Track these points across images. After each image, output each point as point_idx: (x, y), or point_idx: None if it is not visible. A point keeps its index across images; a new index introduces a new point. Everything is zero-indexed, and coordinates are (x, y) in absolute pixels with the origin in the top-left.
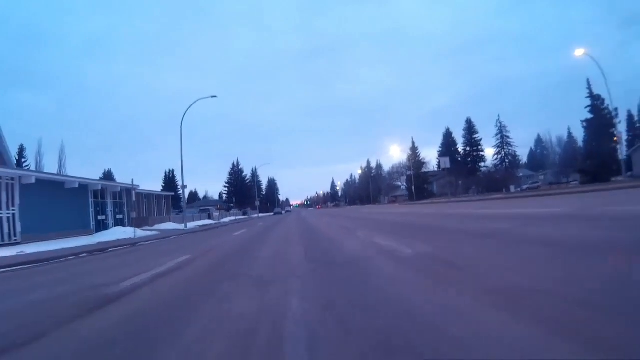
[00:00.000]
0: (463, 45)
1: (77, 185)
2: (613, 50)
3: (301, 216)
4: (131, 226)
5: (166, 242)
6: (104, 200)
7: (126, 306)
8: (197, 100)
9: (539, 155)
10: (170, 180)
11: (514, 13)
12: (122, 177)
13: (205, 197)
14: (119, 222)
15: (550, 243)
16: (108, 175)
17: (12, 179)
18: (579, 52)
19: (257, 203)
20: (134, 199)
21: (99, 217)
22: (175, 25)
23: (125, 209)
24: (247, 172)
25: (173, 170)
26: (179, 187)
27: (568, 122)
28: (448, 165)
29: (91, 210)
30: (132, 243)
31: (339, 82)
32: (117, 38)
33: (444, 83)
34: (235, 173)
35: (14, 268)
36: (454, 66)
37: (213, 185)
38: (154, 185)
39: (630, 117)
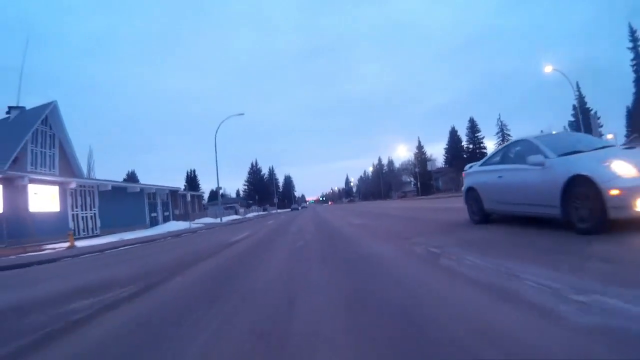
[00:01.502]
0: (466, 43)
1: (138, 190)
2: (615, 44)
3: (315, 211)
4: (175, 221)
5: (218, 230)
6: (155, 201)
7: (241, 244)
8: (227, 117)
9: None
10: (192, 180)
11: (514, 12)
12: (142, 178)
13: (223, 194)
14: (166, 219)
15: (423, 219)
16: (131, 177)
17: (92, 187)
18: (548, 69)
19: (276, 200)
20: (188, 199)
21: (152, 214)
22: (176, 25)
23: (170, 207)
24: (265, 171)
25: (194, 170)
26: (200, 186)
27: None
28: (435, 167)
29: (146, 209)
30: (193, 231)
31: (342, 81)
32: (117, 38)
33: (448, 80)
34: (254, 172)
35: (144, 243)
36: (456, 64)
37: (228, 183)
38: (161, 182)
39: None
